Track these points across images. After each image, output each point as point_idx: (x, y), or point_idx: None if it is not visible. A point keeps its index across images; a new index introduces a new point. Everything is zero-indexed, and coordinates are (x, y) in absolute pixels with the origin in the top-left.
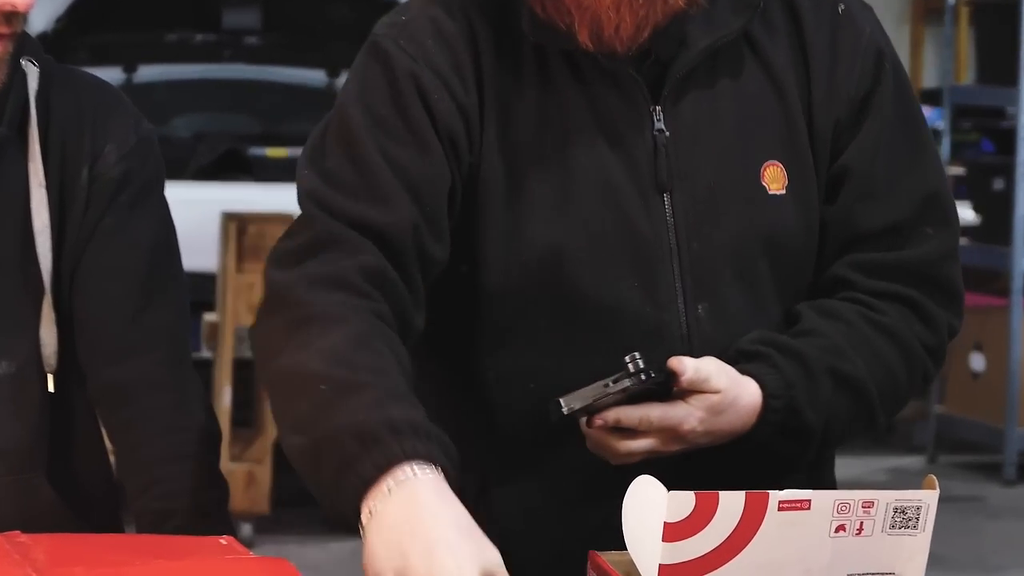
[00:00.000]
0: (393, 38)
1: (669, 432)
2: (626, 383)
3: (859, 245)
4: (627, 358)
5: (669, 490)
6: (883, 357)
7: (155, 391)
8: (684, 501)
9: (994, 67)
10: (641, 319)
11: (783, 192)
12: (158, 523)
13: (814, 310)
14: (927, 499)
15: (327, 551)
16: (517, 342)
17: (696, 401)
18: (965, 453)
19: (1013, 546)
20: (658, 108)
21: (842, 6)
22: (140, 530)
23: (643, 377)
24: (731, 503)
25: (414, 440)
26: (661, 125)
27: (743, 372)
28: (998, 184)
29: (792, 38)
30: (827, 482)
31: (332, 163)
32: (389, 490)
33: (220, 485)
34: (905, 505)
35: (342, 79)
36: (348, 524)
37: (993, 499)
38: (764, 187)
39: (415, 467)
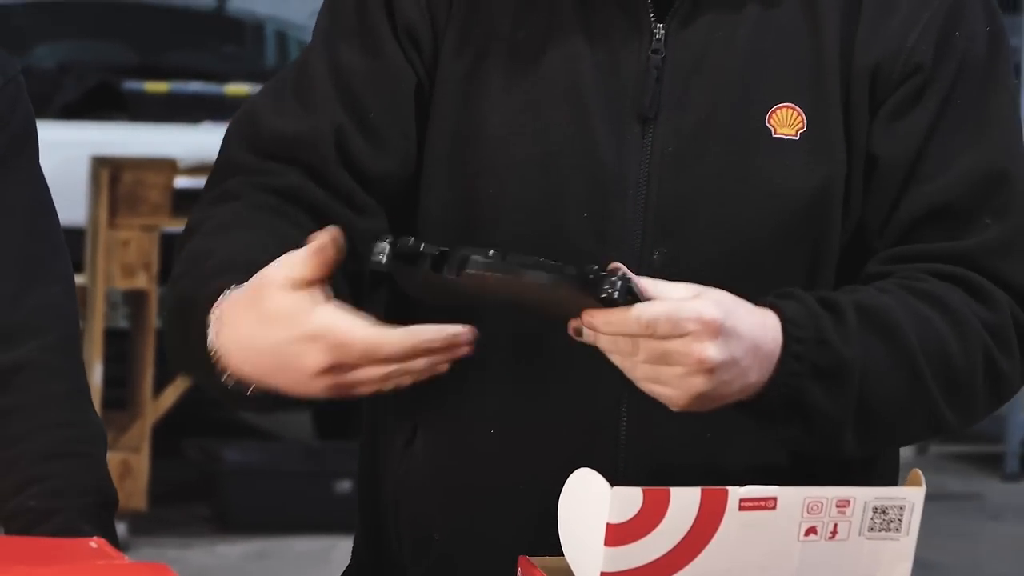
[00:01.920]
0: None
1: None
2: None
3: (898, 240)
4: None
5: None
6: (928, 320)
7: (45, 379)
8: (630, 498)
9: None
10: (580, 254)
11: (795, 137)
12: (33, 524)
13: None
14: (912, 497)
15: (213, 555)
16: None
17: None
18: (960, 443)
19: (1016, 550)
20: (661, 26)
21: None
22: (9, 532)
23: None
24: (685, 500)
25: (211, 282)
26: (660, 46)
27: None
28: None
29: None
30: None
31: (284, 73)
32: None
33: (110, 488)
34: (886, 504)
35: (233, 2)
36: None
37: (993, 496)
38: (768, 128)
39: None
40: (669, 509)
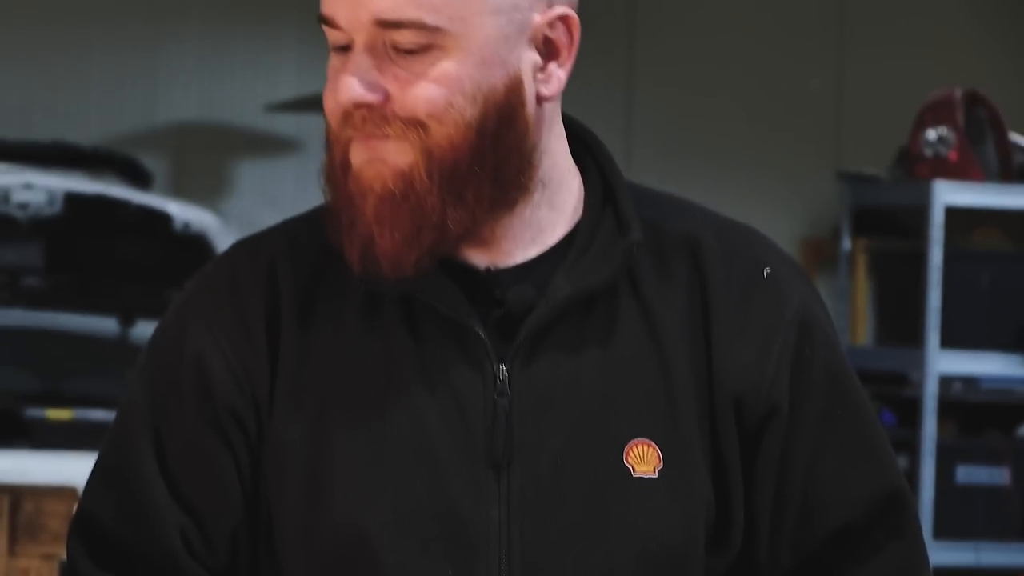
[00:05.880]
0: (194, 292)
1: None
2: None
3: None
4: None
5: None
6: None
7: None
8: None
9: (895, 326)
10: None
11: (654, 476)
12: None
13: None
14: None
15: None
16: None
17: None
18: None
19: None
20: (503, 368)
21: (768, 269)
22: None
23: None
24: None
25: None
26: (505, 388)
27: None
28: (900, 463)
29: (693, 296)
30: None
31: (108, 460)
32: None
33: None
34: None
35: (137, 328)
36: None
37: None
38: (628, 467)
39: None
40: None
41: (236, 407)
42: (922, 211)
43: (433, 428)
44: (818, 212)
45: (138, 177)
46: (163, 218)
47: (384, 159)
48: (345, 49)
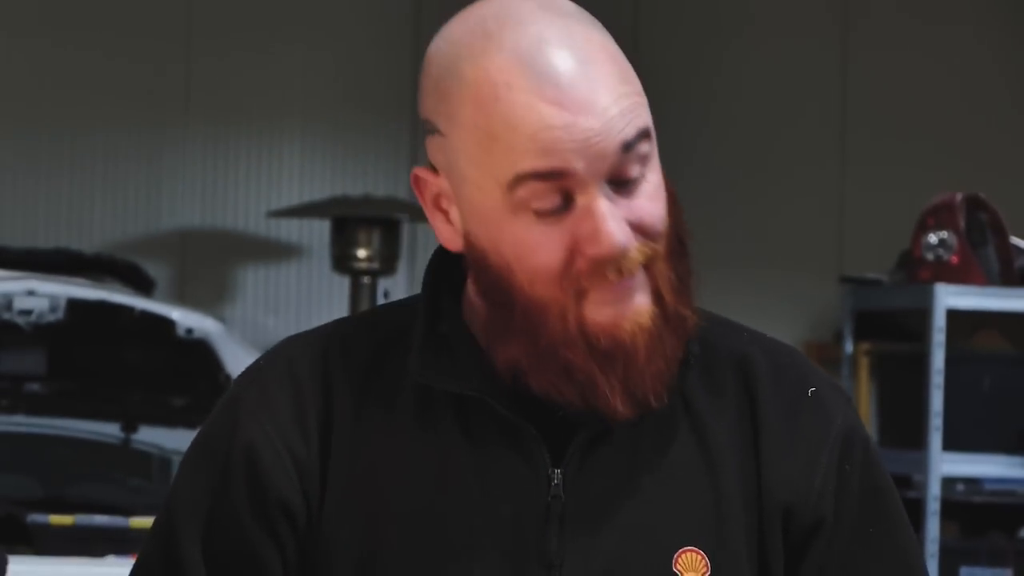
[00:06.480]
0: (245, 385)
1: None
2: None
3: None
4: None
5: None
6: None
7: None
8: None
9: (897, 428)
10: None
11: None
12: None
13: None
14: None
15: None
16: None
17: None
18: None
19: None
20: (558, 471)
21: (813, 389)
22: None
23: None
24: None
25: None
26: (560, 491)
27: None
28: None
29: (742, 410)
30: None
31: (146, 570)
32: None
33: None
34: None
35: (140, 434)
36: None
37: None
38: (677, 574)
39: None
40: None
41: (286, 499)
42: (924, 314)
43: (486, 529)
44: (820, 316)
45: (141, 283)
46: (166, 324)
47: (637, 298)
48: (552, 213)
